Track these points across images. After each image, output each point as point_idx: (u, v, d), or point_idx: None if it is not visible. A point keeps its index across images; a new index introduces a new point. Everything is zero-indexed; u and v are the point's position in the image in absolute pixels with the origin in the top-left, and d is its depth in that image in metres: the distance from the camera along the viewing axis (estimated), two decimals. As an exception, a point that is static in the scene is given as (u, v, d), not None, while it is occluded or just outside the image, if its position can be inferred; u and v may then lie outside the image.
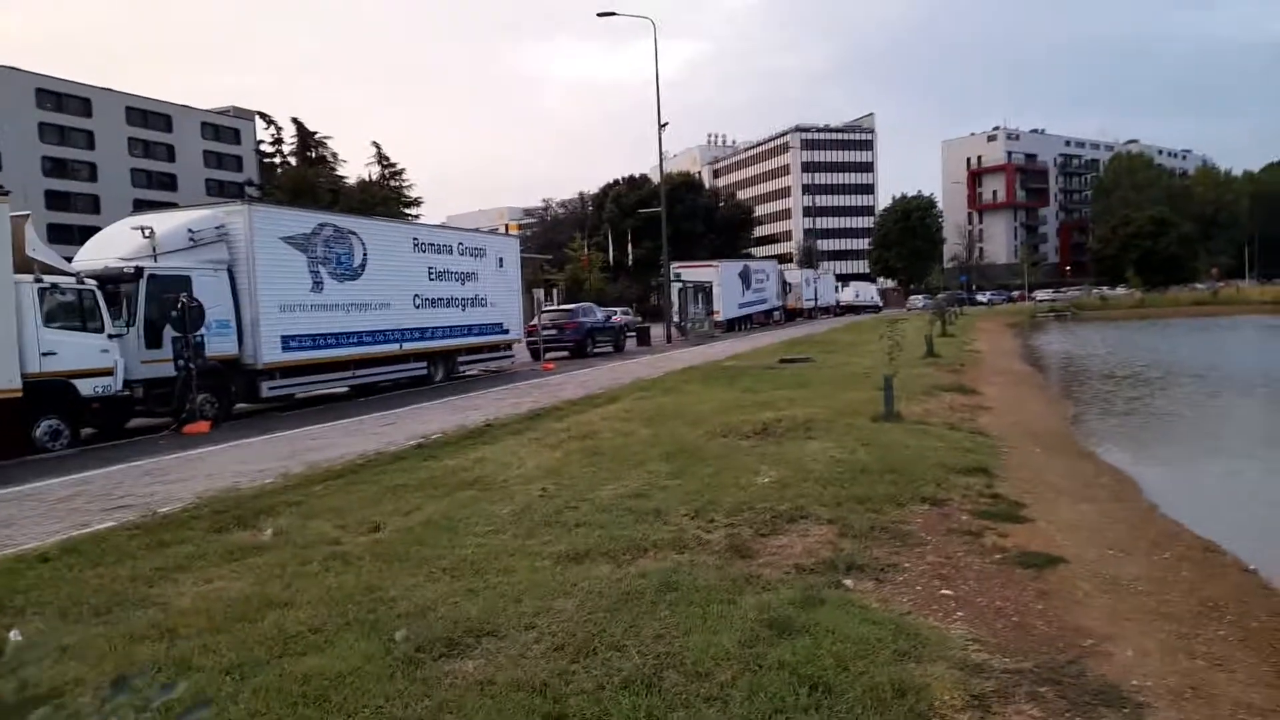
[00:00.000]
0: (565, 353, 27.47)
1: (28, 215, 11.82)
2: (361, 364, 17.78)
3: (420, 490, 7.87)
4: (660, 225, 40.64)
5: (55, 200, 69.65)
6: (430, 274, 19.91)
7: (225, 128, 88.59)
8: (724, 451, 9.40)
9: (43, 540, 6.51)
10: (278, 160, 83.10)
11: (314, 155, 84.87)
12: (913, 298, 76.70)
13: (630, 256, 73.59)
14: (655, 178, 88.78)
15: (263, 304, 15.18)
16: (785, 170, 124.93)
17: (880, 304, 75.40)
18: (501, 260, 22.91)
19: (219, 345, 14.57)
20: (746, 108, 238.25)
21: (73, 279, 12.26)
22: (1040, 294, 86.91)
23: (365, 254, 17.70)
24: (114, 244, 14.48)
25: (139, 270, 13.46)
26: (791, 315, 55.22)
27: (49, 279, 11.84)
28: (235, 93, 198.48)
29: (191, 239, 14.42)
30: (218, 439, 12.34)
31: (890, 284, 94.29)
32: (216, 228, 14.84)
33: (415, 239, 19.62)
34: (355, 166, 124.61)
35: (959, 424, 11.51)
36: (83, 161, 75.89)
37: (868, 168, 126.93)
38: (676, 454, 9.29)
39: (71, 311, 12.19)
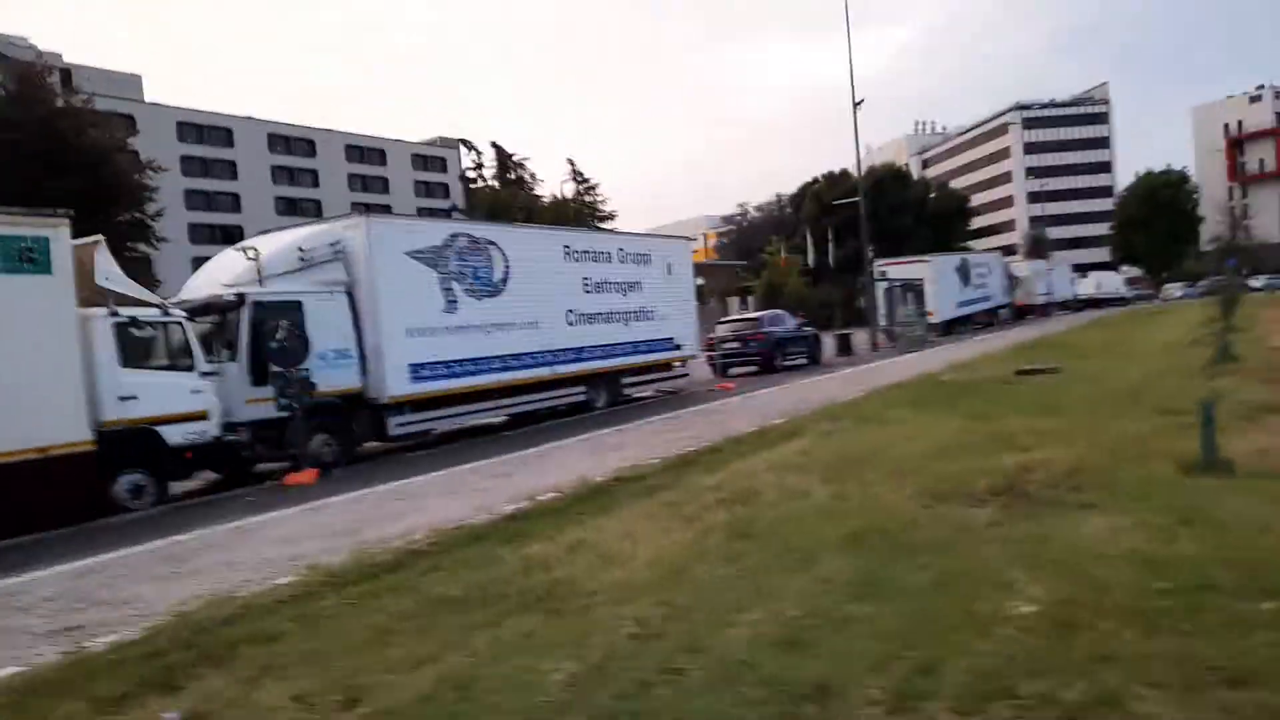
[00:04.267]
0: (754, 367, 24.33)
1: (98, 240, 10.43)
2: (506, 392, 15.60)
3: (462, 612, 5.13)
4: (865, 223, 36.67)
5: (287, 236, 75.25)
6: (586, 285, 17.51)
7: (433, 157, 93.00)
8: (945, 535, 5.99)
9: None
10: (480, 184, 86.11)
11: (513, 177, 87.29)
12: (1168, 286, 66.68)
13: (831, 257, 68.83)
14: (857, 171, 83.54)
15: (386, 329, 13.28)
16: (1004, 154, 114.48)
17: (1127, 295, 65.81)
18: (671, 267, 20.17)
19: (338, 378, 12.80)
20: (958, 94, 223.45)
21: (155, 311, 10.75)
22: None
23: (507, 266, 15.54)
24: (221, 270, 13.11)
25: (240, 297, 11.87)
26: (1020, 313, 48.64)
27: (126, 312, 10.35)
28: (439, 124, 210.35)
29: (302, 259, 12.76)
30: (316, 493, 10.34)
31: (1136, 272, 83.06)
32: (331, 244, 13.11)
33: (567, 246, 17.28)
34: (554, 185, 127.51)
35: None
36: (310, 200, 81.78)
37: (1102, 144, 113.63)
38: (867, 537, 6.02)
39: (155, 348, 10.69)
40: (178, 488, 11.50)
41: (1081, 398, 12.49)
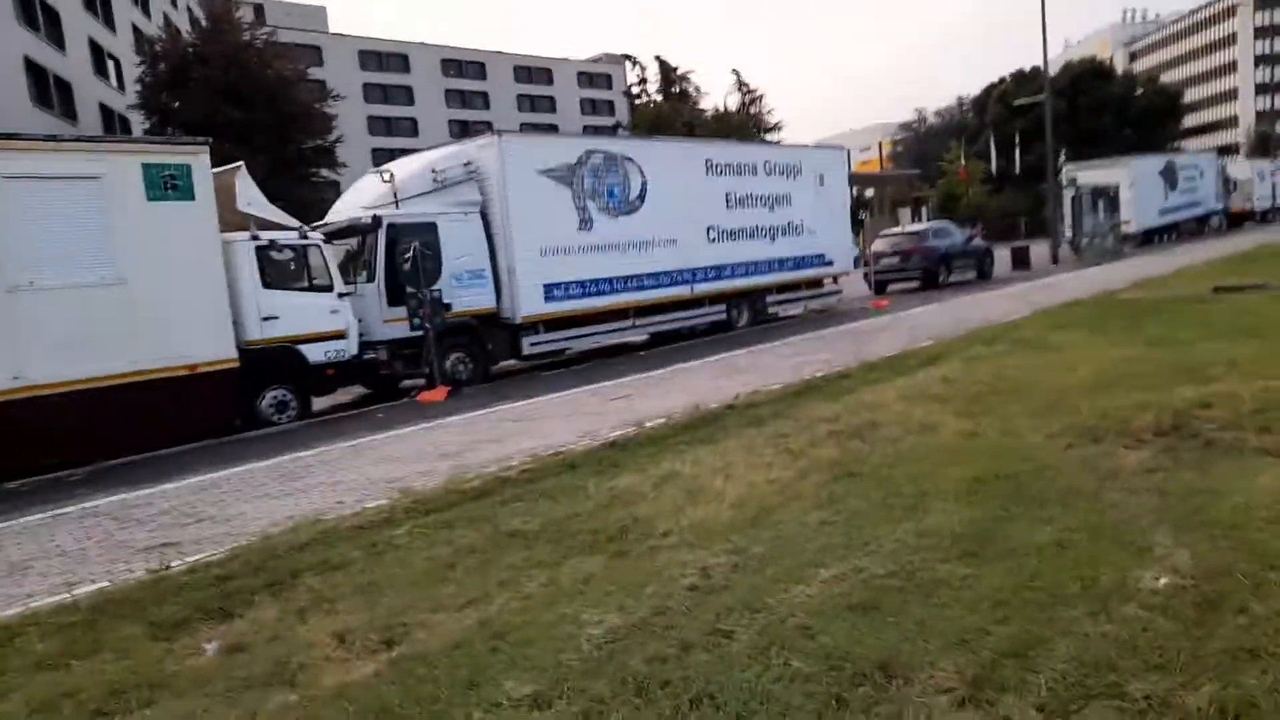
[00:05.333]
0: (916, 283, 22.79)
1: (238, 166, 10.78)
2: (643, 311, 15.29)
3: (528, 548, 4.91)
4: (1059, 126, 32.81)
5: (458, 159, 77.77)
6: (729, 201, 16.73)
7: (598, 74, 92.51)
8: (1085, 483, 5.16)
9: None
10: (644, 100, 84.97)
11: (677, 91, 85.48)
12: None
13: (1018, 165, 63.33)
14: (1053, 68, 75.68)
15: (519, 249, 13.21)
16: (1230, 40, 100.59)
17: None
18: (823, 178, 18.93)
19: (472, 298, 12.93)
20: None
21: (294, 234, 11.09)
22: None
23: (644, 183, 15.04)
24: (362, 194, 13.39)
25: (376, 220, 12.08)
26: (1237, 220, 42.99)
27: (266, 236, 10.74)
28: (607, 41, 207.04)
29: (436, 180, 12.79)
30: (443, 410, 10.52)
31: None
32: (464, 164, 13.06)
33: (708, 160, 16.47)
34: (719, 98, 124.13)
35: None
36: (482, 121, 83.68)
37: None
38: (990, 483, 5.30)
39: (294, 270, 11.06)
40: (323, 403, 12.09)
41: (1292, 320, 10.68)
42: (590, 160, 14.25)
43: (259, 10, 71.72)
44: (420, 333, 11.83)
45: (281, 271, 10.88)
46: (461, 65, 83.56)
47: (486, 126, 79.99)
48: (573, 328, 14.20)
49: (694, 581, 4.17)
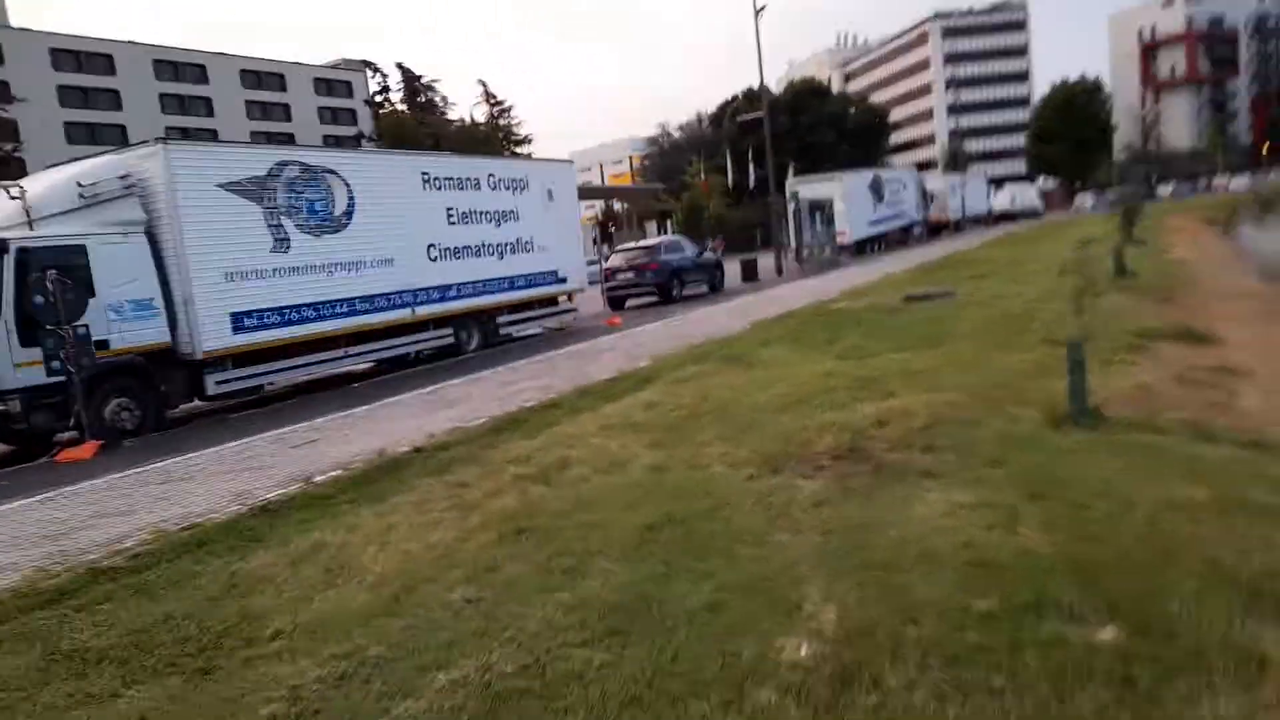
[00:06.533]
0: (654, 298, 23.02)
1: None
2: (359, 338, 14.04)
3: (83, 673, 3.83)
4: (784, 141, 35.07)
5: (178, 170, 70.55)
6: (451, 217, 15.84)
7: (337, 81, 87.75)
8: (755, 523, 4.90)
9: None
10: (388, 109, 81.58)
11: (423, 100, 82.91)
12: (1080, 197, 67.07)
13: (752, 178, 67.38)
14: (776, 87, 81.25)
15: (197, 274, 11.55)
16: (924, 65, 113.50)
17: (1041, 208, 65.83)
18: (552, 193, 18.53)
19: (138, 333, 11.11)
20: (880, 4, 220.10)
21: None
22: (1235, 181, 74.26)
23: (351, 198, 13.79)
24: (-18, 213, 11.15)
25: (2, 243, 10.03)
26: (935, 230, 48.12)
27: None
28: (344, 48, 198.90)
29: (84, 195, 10.86)
30: (89, 470, 8.78)
31: (1051, 184, 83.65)
32: (121, 178, 11.20)
33: (425, 173, 15.47)
34: (467, 108, 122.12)
35: (1212, 423, 6.37)
36: (206, 130, 76.49)
37: (1020, 53, 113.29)
38: (664, 529, 4.93)
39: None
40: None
41: (968, 327, 11.57)
42: (284, 173, 12.80)
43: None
44: (62, 378, 9.94)
45: None
46: (178, 67, 75.87)
47: (211, 135, 73.41)
48: (271, 360, 12.68)
49: (275, 711, 3.33)
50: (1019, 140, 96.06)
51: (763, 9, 27.67)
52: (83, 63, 69.78)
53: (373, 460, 7.36)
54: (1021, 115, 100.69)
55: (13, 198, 10.57)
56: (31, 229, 10.49)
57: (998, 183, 72.82)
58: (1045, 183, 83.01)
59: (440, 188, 15.74)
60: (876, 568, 4.09)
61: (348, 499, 6.27)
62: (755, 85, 78.06)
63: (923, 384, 8.09)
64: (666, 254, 22.85)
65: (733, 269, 27.81)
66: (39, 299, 9.66)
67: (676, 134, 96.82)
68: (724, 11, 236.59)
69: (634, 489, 5.81)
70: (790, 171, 43.22)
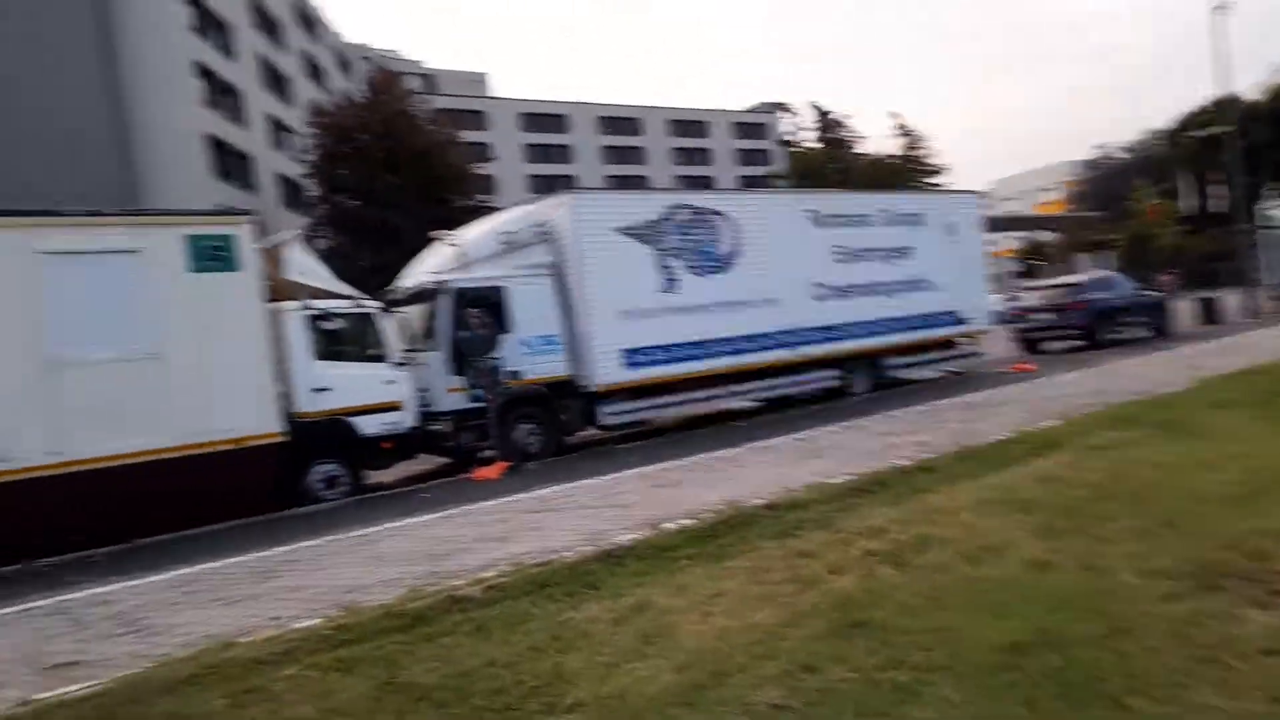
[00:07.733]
0: (1075, 342, 20.16)
1: (294, 235, 10.64)
2: (741, 377, 14.09)
3: (402, 711, 3.96)
4: (1261, 156, 28.74)
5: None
6: (837, 255, 15.32)
7: (753, 124, 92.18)
8: (1170, 661, 3.66)
9: None
10: (798, 148, 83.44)
11: (834, 136, 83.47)
12: None
13: (1212, 203, 56.88)
14: (1254, 94, 67.98)
15: (595, 312, 12.45)
16: None
17: None
18: (953, 227, 17.13)
19: (545, 365, 12.26)
20: None
21: (348, 303, 10.81)
22: None
23: (736, 238, 13.96)
24: (432, 259, 13.06)
25: (440, 284, 11.67)
26: None
27: (318, 305, 10.49)
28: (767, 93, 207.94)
29: (505, 243, 12.29)
30: (494, 490, 9.75)
31: None
32: (535, 226, 12.51)
33: (813, 211, 15.17)
34: (880, 141, 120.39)
35: None
36: (636, 176, 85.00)
37: None
38: (1031, 654, 3.88)
39: (348, 340, 10.75)
40: (400, 471, 11.71)
41: None
42: (675, 216, 13.36)
43: (428, 79, 76.64)
44: (481, 404, 11.23)
45: (334, 341, 10.59)
46: (617, 121, 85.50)
47: (641, 180, 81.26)
48: (658, 395, 13.21)
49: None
50: None
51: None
52: (542, 123, 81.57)
53: (723, 512, 7.06)
54: None
55: (452, 245, 12.28)
56: (467, 272, 12.07)
57: None
58: None
59: (827, 225, 15.31)
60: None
61: (687, 554, 6.00)
62: (1215, 96, 66.36)
63: None
64: (1093, 291, 19.87)
65: (1188, 310, 23.47)
66: (462, 334, 11.03)
67: (1122, 155, 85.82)
68: (1155, 30, 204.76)
69: (1004, 589, 4.74)
70: (1231, 182, 35.65)
